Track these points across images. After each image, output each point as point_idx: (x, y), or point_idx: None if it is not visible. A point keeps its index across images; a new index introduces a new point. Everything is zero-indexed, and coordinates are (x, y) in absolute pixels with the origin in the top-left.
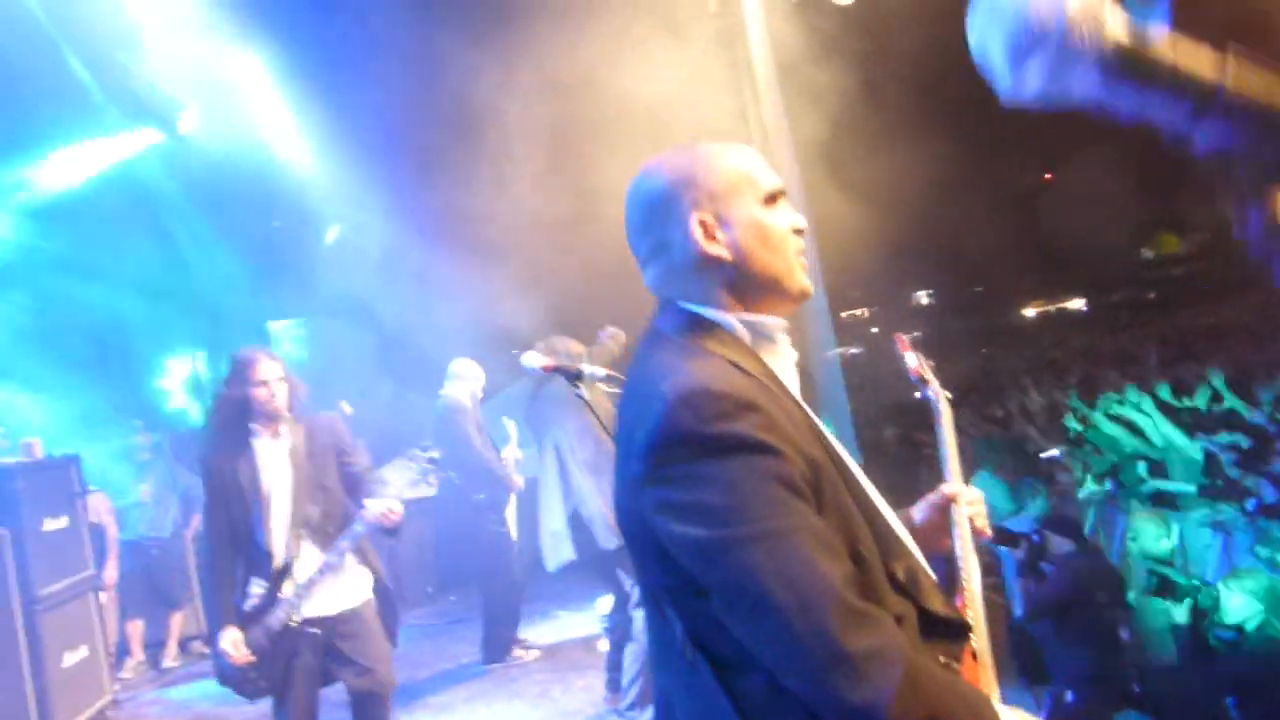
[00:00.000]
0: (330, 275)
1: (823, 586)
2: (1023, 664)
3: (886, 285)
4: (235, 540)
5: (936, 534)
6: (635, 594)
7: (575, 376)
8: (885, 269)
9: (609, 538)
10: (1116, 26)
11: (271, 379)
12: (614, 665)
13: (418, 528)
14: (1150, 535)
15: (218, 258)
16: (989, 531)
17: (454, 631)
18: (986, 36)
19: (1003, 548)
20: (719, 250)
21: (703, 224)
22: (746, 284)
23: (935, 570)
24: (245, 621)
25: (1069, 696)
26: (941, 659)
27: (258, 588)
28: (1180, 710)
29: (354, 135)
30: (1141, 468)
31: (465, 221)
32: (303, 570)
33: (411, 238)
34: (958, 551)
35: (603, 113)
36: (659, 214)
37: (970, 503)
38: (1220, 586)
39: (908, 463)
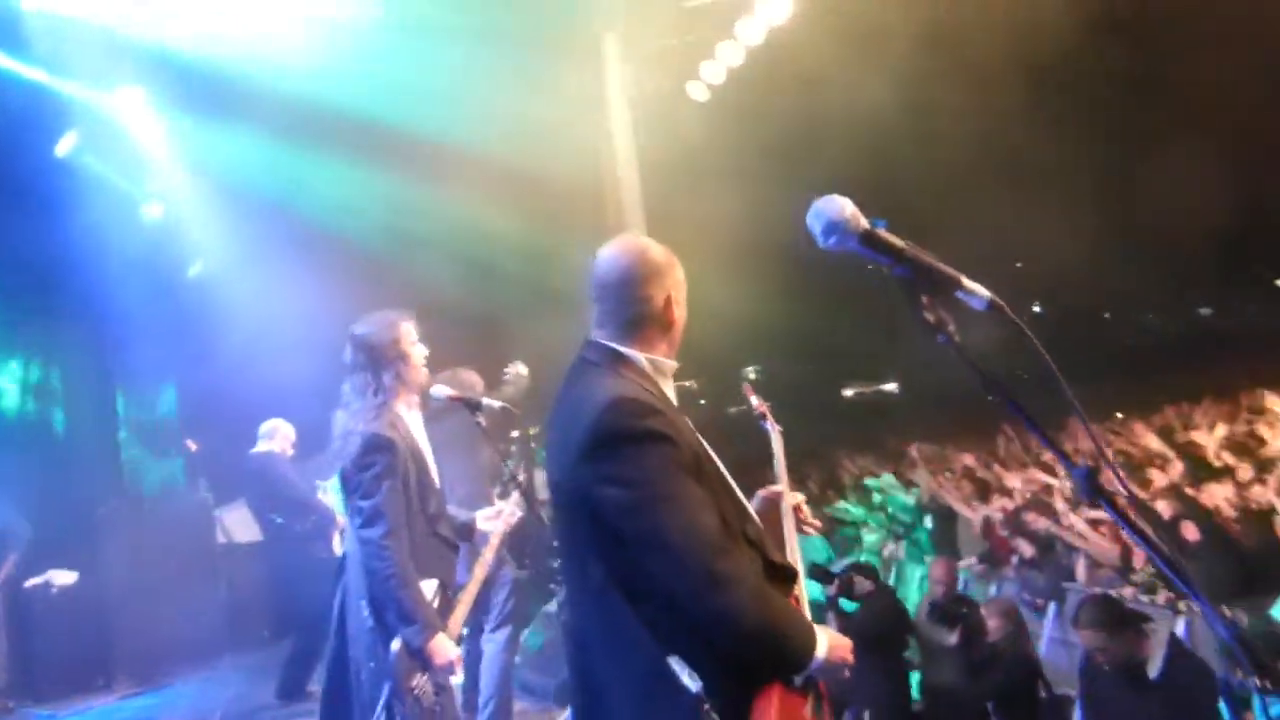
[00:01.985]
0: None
1: (701, 531)
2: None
3: (716, 359)
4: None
5: (768, 518)
6: (491, 620)
7: (475, 407)
8: (715, 343)
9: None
10: (862, 224)
11: (418, 340)
12: (469, 689)
13: (255, 571)
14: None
15: None
16: (815, 522)
17: None
18: (812, 224)
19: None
20: (675, 315)
21: (670, 297)
22: (669, 339)
23: None
24: None
25: (866, 717)
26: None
27: (428, 589)
28: None
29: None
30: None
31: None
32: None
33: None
34: (785, 530)
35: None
36: (648, 278)
37: (794, 498)
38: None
39: None
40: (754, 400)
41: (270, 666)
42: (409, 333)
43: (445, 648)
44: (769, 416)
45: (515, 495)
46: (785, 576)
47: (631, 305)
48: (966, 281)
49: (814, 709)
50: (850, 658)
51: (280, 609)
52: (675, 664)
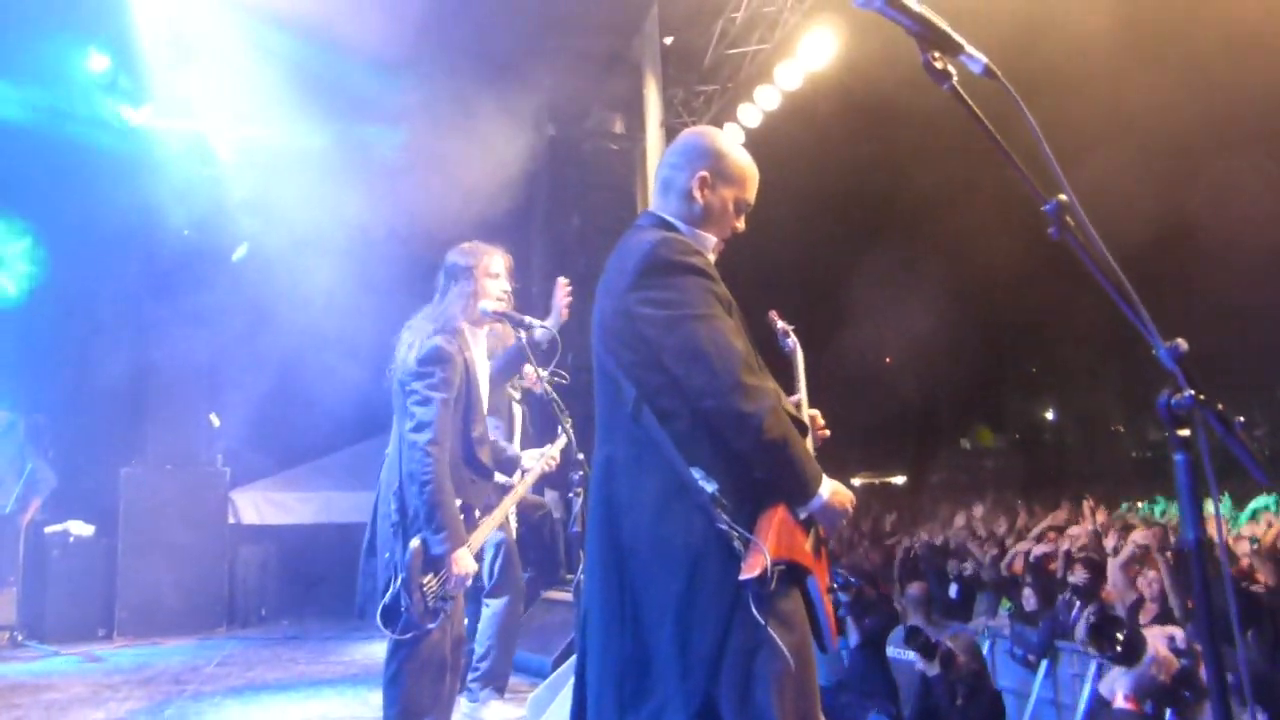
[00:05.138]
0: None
1: (733, 349)
2: None
3: None
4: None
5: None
6: (488, 584)
7: (520, 325)
8: None
9: None
10: None
11: (504, 273)
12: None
13: (259, 552)
14: None
15: None
16: (825, 432)
17: (293, 644)
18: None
19: None
20: (698, 196)
21: (703, 179)
22: (708, 221)
23: None
24: None
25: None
26: None
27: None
28: None
29: None
30: None
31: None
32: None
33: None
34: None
35: None
36: (690, 158)
37: (811, 411)
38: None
39: None
40: (780, 324)
41: (266, 641)
42: (492, 264)
43: (466, 561)
44: (791, 334)
45: (561, 438)
46: (799, 427)
47: (662, 170)
48: (969, 48)
49: (814, 547)
50: (850, 509)
51: (282, 590)
52: (696, 473)
